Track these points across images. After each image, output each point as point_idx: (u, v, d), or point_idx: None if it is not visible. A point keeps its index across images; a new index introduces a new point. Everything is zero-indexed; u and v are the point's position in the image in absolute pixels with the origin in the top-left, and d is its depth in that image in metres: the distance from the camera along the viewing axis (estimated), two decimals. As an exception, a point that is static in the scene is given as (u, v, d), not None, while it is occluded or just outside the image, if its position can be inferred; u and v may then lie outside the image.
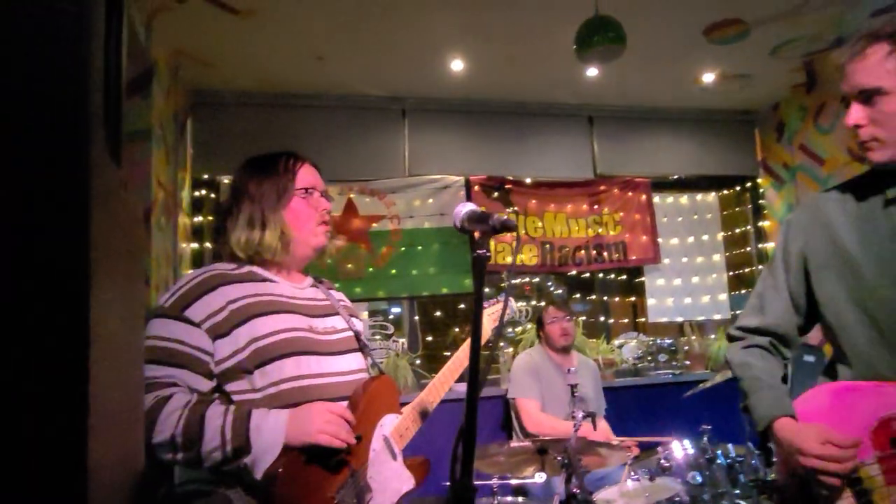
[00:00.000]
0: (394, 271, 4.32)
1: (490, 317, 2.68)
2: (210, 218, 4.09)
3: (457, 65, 3.97)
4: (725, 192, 5.25)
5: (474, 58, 3.93)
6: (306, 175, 1.64)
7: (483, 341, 2.52)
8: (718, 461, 2.97)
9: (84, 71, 0.63)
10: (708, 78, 4.36)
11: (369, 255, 4.30)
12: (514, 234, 1.25)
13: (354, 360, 1.63)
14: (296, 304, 1.56)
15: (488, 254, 1.17)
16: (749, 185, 5.17)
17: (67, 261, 0.60)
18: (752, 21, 3.61)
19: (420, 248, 4.37)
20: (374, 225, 4.34)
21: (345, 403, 1.49)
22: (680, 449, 3.01)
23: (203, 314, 1.41)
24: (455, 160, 4.55)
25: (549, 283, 5.13)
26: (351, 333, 1.66)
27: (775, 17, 3.58)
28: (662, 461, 2.97)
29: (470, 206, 1.29)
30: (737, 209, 5.26)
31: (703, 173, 5.07)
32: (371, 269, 4.29)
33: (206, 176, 4.15)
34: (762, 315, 1.48)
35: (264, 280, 1.55)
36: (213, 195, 4.17)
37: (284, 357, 1.45)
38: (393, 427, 1.59)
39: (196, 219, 4.11)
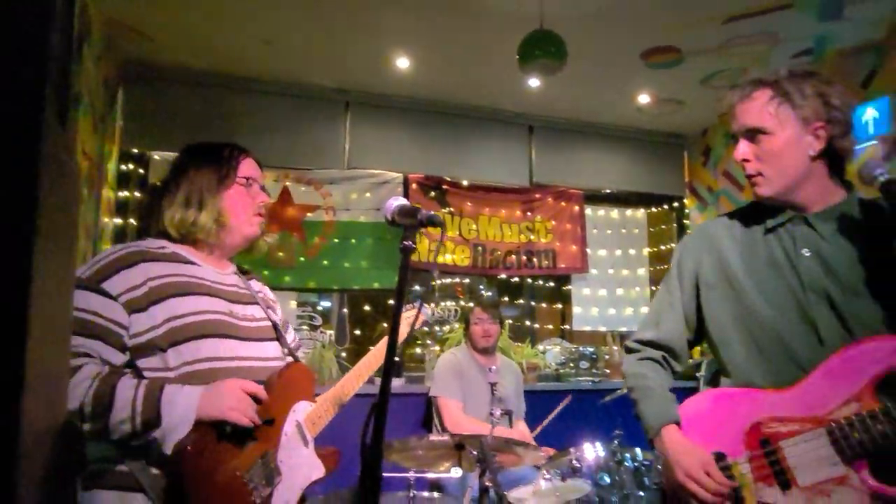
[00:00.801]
0: (326, 262, 4.30)
1: (406, 320, 2.74)
2: (137, 194, 3.95)
3: (403, 63, 3.99)
4: (654, 209, 5.48)
5: (420, 58, 3.97)
6: (248, 167, 1.66)
7: (399, 341, 2.56)
8: (626, 464, 3.10)
9: (43, 28, 0.62)
10: (644, 99, 4.55)
11: (301, 245, 4.26)
12: (440, 231, 1.29)
13: (271, 349, 1.64)
14: (218, 288, 1.56)
15: (414, 246, 1.20)
16: (676, 204, 5.42)
17: (14, 219, 0.60)
18: (687, 50, 3.80)
19: (354, 241, 4.36)
20: (309, 215, 4.30)
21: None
22: (591, 451, 3.13)
23: (121, 288, 1.40)
24: (395, 157, 4.57)
25: (482, 286, 5.22)
26: (269, 323, 1.67)
27: (707, 49, 3.79)
28: (574, 462, 3.08)
29: (401, 200, 1.34)
30: (663, 227, 5.49)
31: (634, 190, 5.29)
32: (302, 259, 4.25)
33: (135, 150, 4.01)
34: (657, 329, 1.58)
35: (188, 262, 1.55)
36: (141, 171, 4.02)
37: (201, 338, 1.45)
38: (306, 414, 1.60)
39: (121, 193, 3.95)
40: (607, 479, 3.10)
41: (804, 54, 3.88)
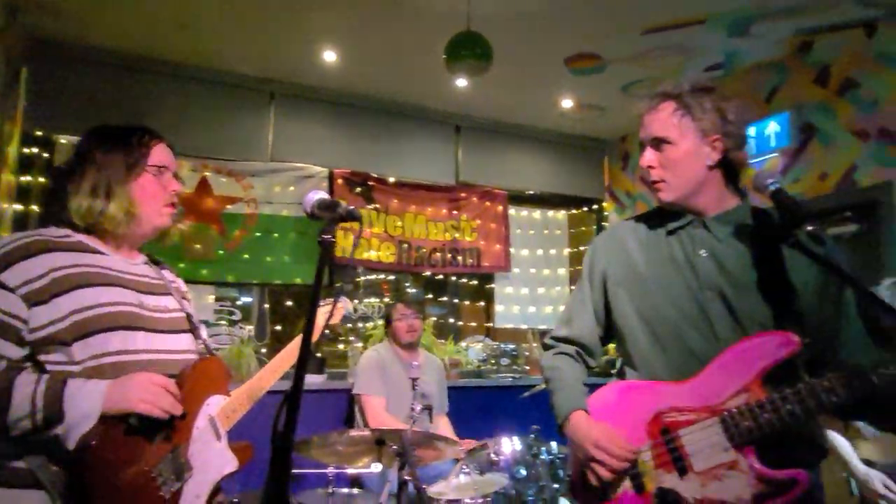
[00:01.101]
0: (246, 256, 4.19)
1: (325, 314, 2.72)
2: (41, 179, 3.71)
3: (330, 56, 3.95)
4: (574, 211, 5.66)
5: (348, 52, 3.94)
6: (160, 153, 1.59)
7: (316, 337, 2.55)
8: (542, 457, 3.20)
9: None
10: (567, 104, 4.69)
11: (220, 238, 4.13)
12: (359, 226, 1.30)
13: (184, 341, 1.60)
14: (126, 278, 1.50)
15: (333, 239, 1.20)
16: (595, 207, 5.62)
17: None
18: (608, 58, 3.96)
19: (276, 235, 4.28)
20: (229, 207, 4.18)
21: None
22: (509, 445, 3.21)
23: (20, 279, 1.33)
24: (321, 151, 4.51)
25: (408, 284, 5.24)
26: (182, 314, 1.63)
27: (627, 58, 3.96)
28: (492, 456, 3.15)
29: (321, 194, 1.34)
30: (583, 228, 5.68)
31: (556, 192, 5.44)
32: (221, 252, 4.13)
33: (39, 133, 3.76)
34: (570, 326, 1.66)
35: (94, 252, 1.49)
36: (46, 154, 3.78)
37: (109, 331, 1.40)
38: (219, 408, 1.57)
39: (24, 178, 3.71)
40: (524, 472, 3.19)
41: (715, 68, 4.12)
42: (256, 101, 4.35)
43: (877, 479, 2.16)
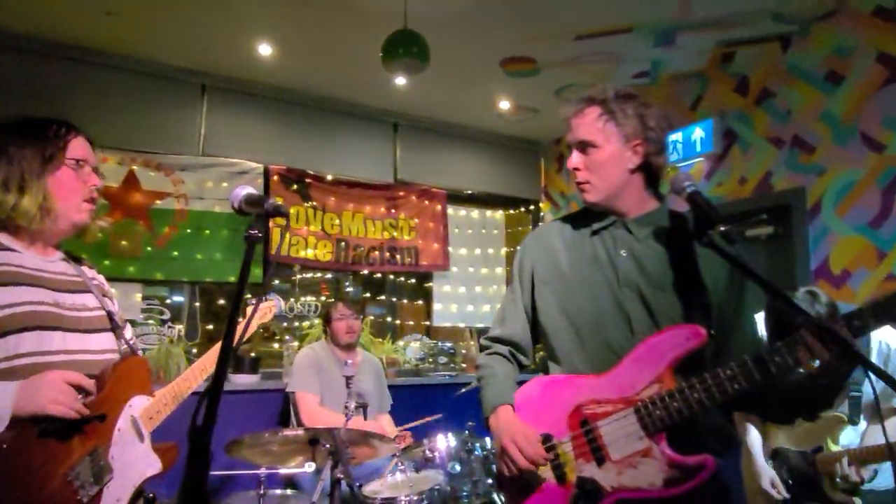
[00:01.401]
0: (176, 253, 4.07)
1: (259, 312, 2.69)
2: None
3: (265, 49, 3.88)
4: (511, 211, 5.76)
5: (284, 46, 3.89)
6: (79, 147, 1.54)
7: (248, 334, 2.52)
8: (476, 453, 3.25)
9: None
10: (504, 105, 4.77)
11: (148, 234, 3.99)
12: (286, 221, 1.29)
13: (105, 340, 1.55)
14: (41, 277, 1.45)
15: (260, 235, 1.20)
16: (532, 207, 5.73)
17: None
18: (542, 62, 4.05)
19: (208, 232, 4.17)
20: (158, 202, 4.05)
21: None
22: (444, 442, 3.25)
23: None
24: (255, 146, 4.43)
25: (348, 283, 5.20)
26: (103, 313, 1.58)
27: (560, 63, 4.07)
28: (427, 453, 3.18)
29: (248, 189, 1.32)
30: (520, 228, 5.78)
31: (494, 192, 5.53)
32: (149, 249, 3.99)
33: (-50, 122, 3.54)
34: (503, 327, 1.70)
35: (6, 249, 1.43)
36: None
37: (23, 331, 1.35)
38: (142, 408, 1.53)
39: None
40: (458, 468, 3.23)
41: (643, 75, 4.28)
42: (187, 93, 4.22)
43: (765, 476, 2.30)
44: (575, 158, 1.57)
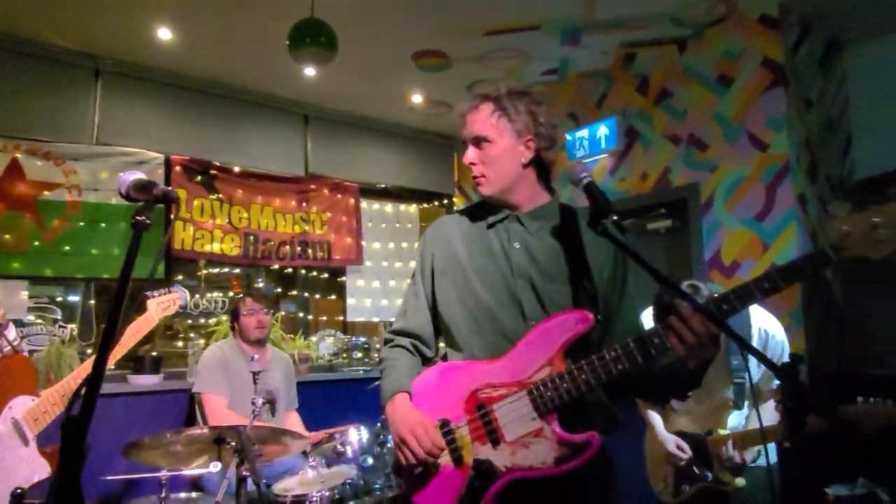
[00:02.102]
0: (67, 248, 3.80)
1: (160, 305, 2.57)
2: None
3: (164, 34, 3.69)
4: (425, 205, 5.78)
5: (184, 31, 3.71)
6: None
7: (149, 328, 2.41)
8: (388, 445, 3.25)
9: None
10: (416, 99, 4.78)
11: (36, 228, 3.71)
12: (173, 208, 1.24)
13: None
14: None
15: (148, 222, 1.14)
16: (446, 201, 5.78)
17: None
18: (453, 57, 4.08)
19: (103, 225, 3.92)
20: (46, 193, 3.76)
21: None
22: (356, 435, 3.22)
23: None
24: (155, 135, 4.21)
25: (260, 279, 5.05)
26: None
27: (471, 58, 4.11)
28: (338, 447, 3.14)
29: (137, 174, 1.26)
30: (434, 222, 5.81)
31: (407, 186, 5.53)
32: (37, 244, 3.71)
33: None
34: (405, 320, 1.72)
35: None
36: None
37: None
38: (25, 410, 1.43)
39: None
40: (371, 462, 3.22)
41: (551, 73, 4.41)
42: (78, 77, 3.95)
43: (670, 442, 2.47)
44: (470, 153, 1.62)
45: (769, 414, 2.32)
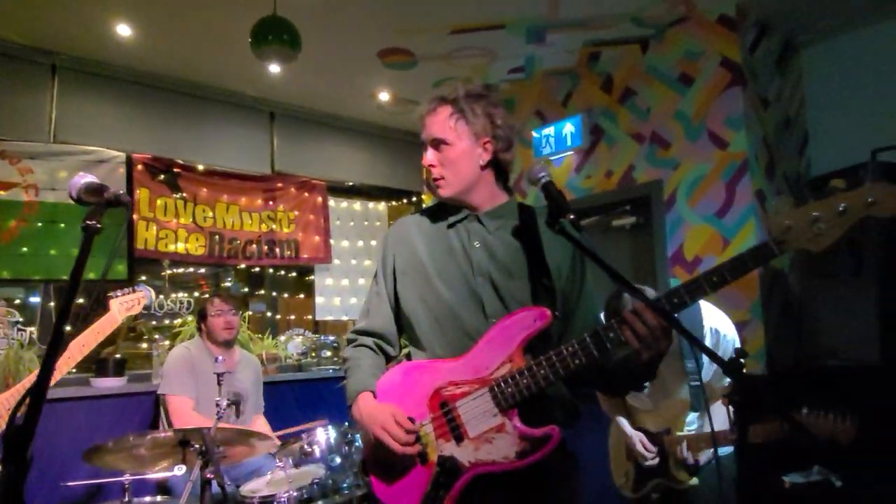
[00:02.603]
0: (25, 249, 3.71)
1: (123, 304, 2.54)
2: None
3: (124, 30, 3.62)
4: (394, 202, 5.77)
5: (145, 28, 3.64)
6: None
7: (112, 328, 2.38)
8: (356, 444, 3.25)
9: None
10: (384, 97, 4.77)
11: (-9, 229, 3.62)
12: (125, 211, 1.22)
13: None
14: None
15: (98, 226, 1.13)
16: (414, 199, 5.78)
17: None
18: (419, 55, 4.08)
19: (62, 225, 3.83)
20: (2, 193, 3.66)
21: None
22: (323, 435, 3.22)
23: None
24: (115, 133, 4.12)
25: (228, 278, 4.99)
26: None
27: (437, 56, 4.12)
28: (305, 447, 3.14)
29: (89, 178, 1.24)
30: (402, 220, 5.81)
31: (376, 183, 5.51)
32: (-8, 245, 3.62)
33: None
34: (368, 319, 1.74)
35: None
36: None
37: None
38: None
39: None
40: (339, 461, 3.22)
41: (517, 71, 4.44)
42: (34, 73, 3.84)
43: (636, 438, 2.52)
44: (429, 155, 1.64)
45: (719, 414, 2.39)
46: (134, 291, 2.69)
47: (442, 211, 1.70)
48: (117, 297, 2.63)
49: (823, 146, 3.86)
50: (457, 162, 1.60)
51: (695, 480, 2.40)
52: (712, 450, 2.36)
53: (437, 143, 1.62)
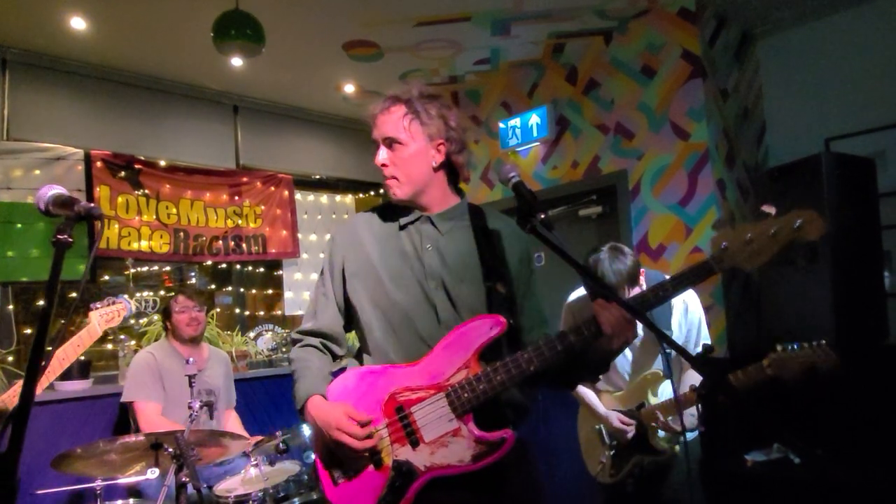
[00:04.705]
0: (-20, 252, 3.60)
1: (103, 317, 2.50)
2: None
3: (78, 23, 3.50)
4: (361, 195, 5.73)
5: (100, 21, 3.53)
6: None
7: (92, 340, 2.34)
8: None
9: None
10: (349, 89, 4.73)
11: (-56, 231, 3.49)
12: (99, 224, 1.20)
13: None
14: None
15: (70, 240, 1.11)
16: (382, 190, 5.75)
17: None
18: (385, 47, 4.06)
19: (20, 226, 3.71)
20: (-47, 194, 3.55)
21: None
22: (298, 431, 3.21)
23: None
24: (73, 129, 4.00)
25: (193, 273, 4.91)
26: None
27: (403, 48, 4.10)
28: (280, 445, 3.13)
29: (57, 189, 1.22)
30: (370, 212, 5.78)
31: (343, 176, 5.47)
32: (-54, 248, 3.49)
33: None
34: (315, 320, 1.70)
35: None
36: None
37: None
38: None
39: None
40: (313, 457, 3.22)
41: (483, 63, 4.45)
42: (-17, 69, 3.71)
43: (613, 416, 2.57)
44: (382, 154, 1.62)
45: (691, 379, 2.45)
46: (114, 303, 2.65)
47: (392, 211, 1.68)
48: (97, 308, 2.59)
49: (780, 136, 3.97)
50: (410, 162, 1.59)
51: (678, 447, 2.45)
52: (691, 413, 2.40)
53: (391, 143, 1.60)
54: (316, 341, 1.69)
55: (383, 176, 1.63)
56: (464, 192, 1.73)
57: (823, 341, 1.99)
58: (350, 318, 1.69)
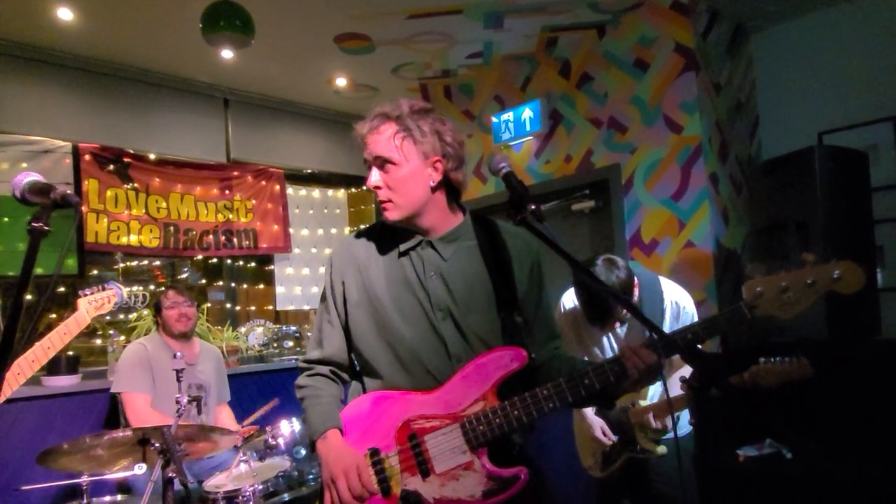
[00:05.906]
0: (-34, 245, 3.55)
1: (92, 304, 2.46)
2: None
3: (65, 14, 3.45)
4: (354, 190, 5.71)
5: (87, 12, 3.48)
6: None
7: (80, 328, 2.31)
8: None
9: None
10: (341, 82, 4.69)
11: (-71, 224, 3.45)
12: (74, 212, 1.16)
13: None
14: None
15: (46, 228, 1.08)
16: (375, 187, 5.71)
17: None
18: (377, 40, 4.02)
19: (7, 219, 3.68)
20: (-61, 187, 3.50)
21: None
22: (288, 427, 3.19)
23: None
24: (61, 122, 3.95)
25: (186, 268, 4.87)
26: None
27: (395, 41, 4.07)
28: (269, 441, 3.11)
29: (33, 176, 1.19)
30: (363, 207, 5.76)
31: (335, 171, 5.43)
32: (-69, 242, 3.45)
33: None
34: (321, 349, 1.64)
35: None
36: None
37: None
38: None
39: None
40: (303, 452, 3.21)
41: (476, 56, 4.42)
42: (-31, 61, 3.66)
43: (596, 426, 2.57)
44: (374, 176, 1.52)
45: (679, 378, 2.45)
46: (104, 289, 2.60)
47: (391, 234, 1.59)
48: (86, 295, 2.54)
49: (773, 129, 3.96)
50: (405, 183, 1.49)
51: (663, 449, 2.45)
52: (678, 414, 2.41)
53: (383, 163, 1.50)
54: (325, 370, 1.63)
55: (377, 198, 1.54)
56: (466, 210, 1.63)
57: (805, 359, 1.98)
58: (353, 345, 1.62)
